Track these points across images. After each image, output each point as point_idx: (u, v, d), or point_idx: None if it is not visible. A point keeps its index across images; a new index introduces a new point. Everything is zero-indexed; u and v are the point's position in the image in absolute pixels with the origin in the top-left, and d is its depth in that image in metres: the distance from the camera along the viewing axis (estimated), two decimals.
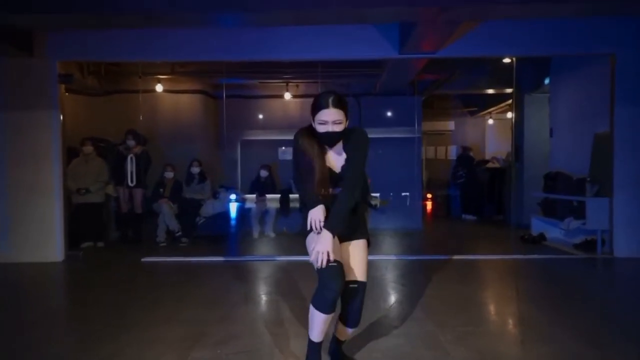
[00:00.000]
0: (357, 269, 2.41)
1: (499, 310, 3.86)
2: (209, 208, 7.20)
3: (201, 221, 7.16)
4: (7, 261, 5.58)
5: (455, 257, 5.76)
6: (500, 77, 8.48)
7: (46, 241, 5.72)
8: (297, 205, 7.91)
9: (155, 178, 7.21)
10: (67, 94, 7.20)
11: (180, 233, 6.90)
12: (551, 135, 7.53)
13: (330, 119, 2.26)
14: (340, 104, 2.28)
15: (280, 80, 8.69)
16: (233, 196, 7.73)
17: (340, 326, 2.52)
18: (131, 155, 6.80)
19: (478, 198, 9.68)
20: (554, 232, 6.81)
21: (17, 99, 5.67)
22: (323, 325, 2.30)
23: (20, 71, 5.65)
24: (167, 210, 6.88)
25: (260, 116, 9.57)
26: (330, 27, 5.55)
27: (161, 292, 4.41)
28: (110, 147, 7.35)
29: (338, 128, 2.28)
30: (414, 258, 5.88)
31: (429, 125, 11.07)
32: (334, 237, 2.23)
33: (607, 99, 5.85)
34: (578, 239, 6.21)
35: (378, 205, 7.82)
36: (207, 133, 8.94)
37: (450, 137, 12.24)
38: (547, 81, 7.79)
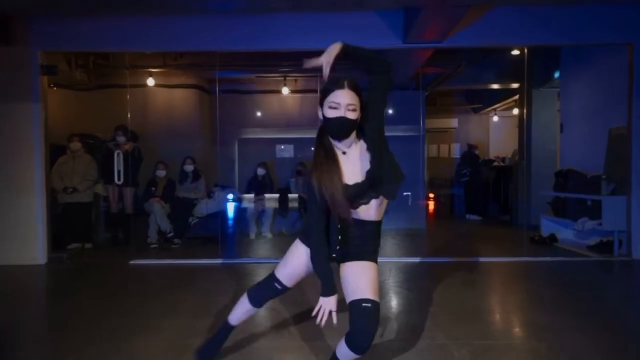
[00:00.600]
0: (367, 286, 1.98)
1: (516, 320, 3.50)
2: (203, 208, 6.87)
3: (194, 221, 6.82)
4: None
5: (463, 259, 5.43)
6: (507, 70, 8.16)
7: (27, 243, 5.38)
8: (295, 205, 7.60)
9: (147, 176, 6.87)
10: (54, 88, 6.86)
11: (172, 234, 6.58)
12: (562, 131, 7.20)
13: (344, 102, 1.91)
14: (356, 88, 1.95)
15: (278, 74, 8.35)
16: (230, 196, 7.42)
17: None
18: (118, 151, 6.42)
19: (483, 197, 9.36)
20: (564, 233, 6.48)
21: None
22: None
23: None
24: (158, 210, 6.56)
25: (257, 112, 9.25)
26: (331, 15, 5.22)
27: (146, 297, 4.05)
28: (99, 144, 7.00)
29: (352, 115, 1.92)
30: (419, 260, 5.54)
31: (431, 123, 10.79)
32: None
33: (622, 92, 5.53)
34: (592, 240, 5.88)
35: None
36: (201, 129, 8.61)
37: (453, 134, 11.94)
38: (556, 75, 7.46)
